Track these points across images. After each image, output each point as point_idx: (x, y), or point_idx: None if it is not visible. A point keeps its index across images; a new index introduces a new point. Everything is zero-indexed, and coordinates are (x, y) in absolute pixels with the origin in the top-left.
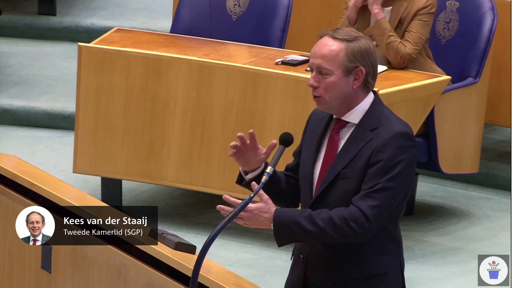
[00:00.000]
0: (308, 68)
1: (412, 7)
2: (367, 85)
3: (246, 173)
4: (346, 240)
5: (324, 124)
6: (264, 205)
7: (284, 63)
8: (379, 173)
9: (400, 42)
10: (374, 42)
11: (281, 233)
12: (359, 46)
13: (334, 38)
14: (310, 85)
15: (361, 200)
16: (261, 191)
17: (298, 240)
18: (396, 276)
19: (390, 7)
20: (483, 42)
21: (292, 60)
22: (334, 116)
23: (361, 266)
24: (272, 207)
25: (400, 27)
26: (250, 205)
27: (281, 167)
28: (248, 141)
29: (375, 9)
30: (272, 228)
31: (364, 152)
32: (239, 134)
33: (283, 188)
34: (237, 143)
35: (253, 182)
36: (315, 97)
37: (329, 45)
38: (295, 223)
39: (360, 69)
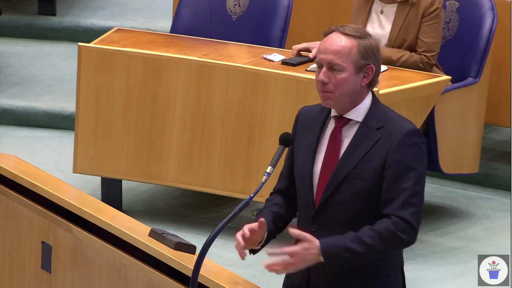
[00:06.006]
0: (310, 68)
1: (419, 6)
2: (373, 83)
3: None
4: (396, 251)
5: (321, 123)
6: (307, 244)
7: (283, 62)
8: (404, 175)
9: (412, 54)
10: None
11: (334, 263)
12: (369, 43)
13: (345, 34)
14: (321, 81)
15: (401, 210)
16: (300, 232)
17: (349, 264)
18: (397, 276)
19: (396, 5)
20: (483, 42)
21: (275, 58)
22: (333, 114)
23: (365, 268)
24: (315, 241)
25: (408, 27)
26: (294, 247)
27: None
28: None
29: None
30: (323, 261)
31: (376, 152)
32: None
33: (281, 227)
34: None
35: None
36: (324, 92)
37: (341, 41)
38: (345, 249)
39: (371, 66)
